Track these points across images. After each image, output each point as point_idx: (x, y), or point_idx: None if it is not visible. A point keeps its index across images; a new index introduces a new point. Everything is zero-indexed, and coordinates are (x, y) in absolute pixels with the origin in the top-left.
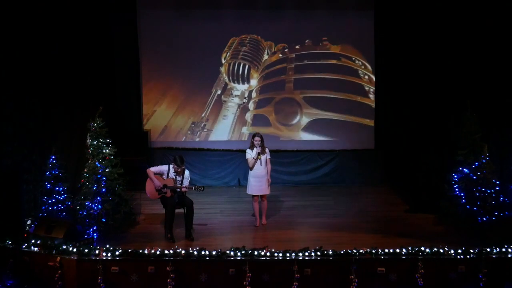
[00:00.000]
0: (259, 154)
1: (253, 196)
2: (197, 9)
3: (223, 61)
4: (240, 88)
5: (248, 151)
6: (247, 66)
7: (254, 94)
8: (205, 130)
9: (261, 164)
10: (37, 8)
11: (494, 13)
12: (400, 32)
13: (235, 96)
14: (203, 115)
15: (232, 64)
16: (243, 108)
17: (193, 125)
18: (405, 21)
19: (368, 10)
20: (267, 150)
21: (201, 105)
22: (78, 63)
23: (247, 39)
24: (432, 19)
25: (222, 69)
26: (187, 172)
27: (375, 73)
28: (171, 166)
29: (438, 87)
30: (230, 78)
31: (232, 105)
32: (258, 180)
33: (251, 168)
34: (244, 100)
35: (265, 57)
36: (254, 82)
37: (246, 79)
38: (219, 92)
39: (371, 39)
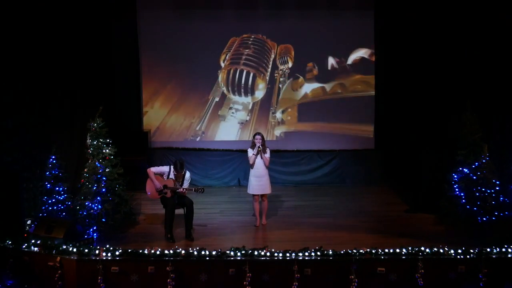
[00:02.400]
0: (259, 148)
1: (254, 195)
2: (197, 9)
3: (222, 64)
4: (241, 100)
5: (250, 150)
6: (251, 74)
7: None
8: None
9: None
10: (38, 7)
11: (494, 13)
12: (400, 32)
13: (236, 110)
14: (198, 127)
15: (232, 71)
16: (245, 127)
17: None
18: (405, 21)
19: (368, 10)
20: (268, 150)
21: (201, 106)
22: (78, 63)
23: (251, 39)
24: (432, 19)
25: (220, 78)
26: (187, 174)
27: (375, 73)
28: (172, 167)
29: (438, 87)
30: (230, 88)
31: (232, 119)
32: (259, 179)
33: (252, 166)
34: (248, 117)
35: (271, 57)
36: (260, 93)
37: (250, 90)
38: (216, 99)
39: (371, 39)
